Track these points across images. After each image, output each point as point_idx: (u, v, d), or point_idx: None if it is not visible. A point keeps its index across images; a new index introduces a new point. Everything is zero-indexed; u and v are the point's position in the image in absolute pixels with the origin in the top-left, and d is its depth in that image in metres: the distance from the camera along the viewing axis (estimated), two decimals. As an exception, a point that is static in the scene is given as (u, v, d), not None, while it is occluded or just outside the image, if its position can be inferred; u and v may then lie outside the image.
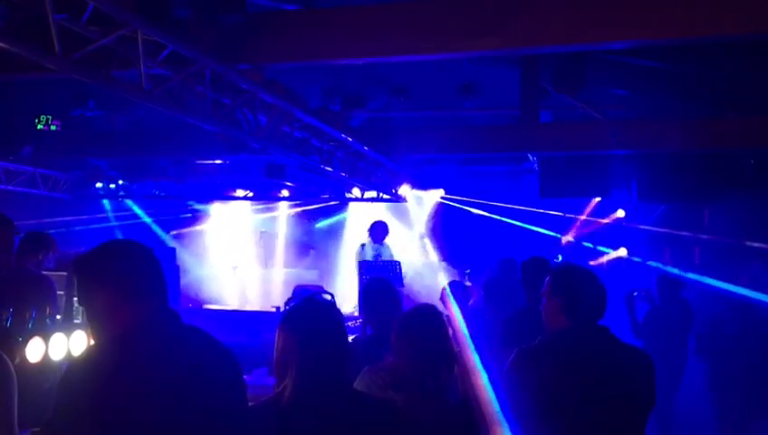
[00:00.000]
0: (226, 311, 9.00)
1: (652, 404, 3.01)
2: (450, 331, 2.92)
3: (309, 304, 2.39)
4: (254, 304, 9.65)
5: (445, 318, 2.92)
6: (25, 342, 3.37)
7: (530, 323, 4.14)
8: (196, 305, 9.20)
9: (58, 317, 4.38)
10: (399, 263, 9.12)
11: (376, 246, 9.56)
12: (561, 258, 9.82)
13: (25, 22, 3.64)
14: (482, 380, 2.93)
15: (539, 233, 10.25)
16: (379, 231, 9.57)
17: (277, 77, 6.00)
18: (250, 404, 2.28)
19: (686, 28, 4.37)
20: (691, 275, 7.67)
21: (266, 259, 11.25)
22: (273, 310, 8.70)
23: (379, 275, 7.25)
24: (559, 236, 10.43)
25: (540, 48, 5.07)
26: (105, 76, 4.40)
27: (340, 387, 2.30)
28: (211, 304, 9.49)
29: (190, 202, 11.19)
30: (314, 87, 7.30)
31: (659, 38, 4.60)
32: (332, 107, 7.40)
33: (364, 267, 8.90)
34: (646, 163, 8.37)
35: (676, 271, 7.75)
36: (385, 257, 9.31)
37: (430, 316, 2.80)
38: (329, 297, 2.59)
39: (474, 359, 3.07)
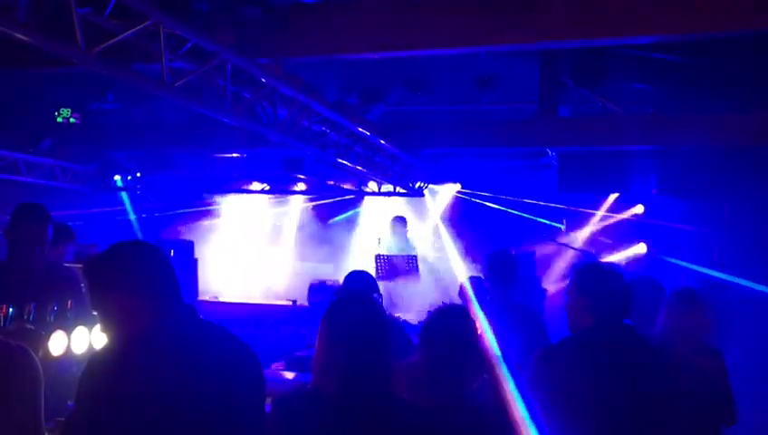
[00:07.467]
0: (243, 304, 9.03)
1: (677, 404, 2.99)
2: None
3: (354, 301, 2.37)
4: (270, 297, 9.67)
5: (474, 319, 2.88)
6: (48, 335, 3.39)
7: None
8: (213, 299, 9.23)
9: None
10: (416, 257, 9.12)
11: (396, 239, 9.61)
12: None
13: (49, 15, 3.64)
14: (506, 379, 2.91)
15: (557, 228, 10.19)
16: (400, 226, 9.69)
17: (295, 70, 5.99)
18: (276, 395, 2.27)
19: (712, 23, 4.30)
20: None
21: (283, 252, 11.29)
22: (290, 304, 8.73)
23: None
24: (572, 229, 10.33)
25: (562, 43, 5.02)
26: (127, 70, 4.41)
27: (377, 389, 2.28)
28: (228, 297, 9.52)
29: (207, 195, 11.21)
30: (331, 80, 7.27)
31: (684, 33, 4.54)
32: (349, 101, 7.37)
33: (380, 261, 8.92)
34: (666, 158, 8.28)
35: (697, 268, 7.61)
36: (407, 252, 9.36)
37: (456, 317, 2.75)
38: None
39: (497, 358, 3.04)
